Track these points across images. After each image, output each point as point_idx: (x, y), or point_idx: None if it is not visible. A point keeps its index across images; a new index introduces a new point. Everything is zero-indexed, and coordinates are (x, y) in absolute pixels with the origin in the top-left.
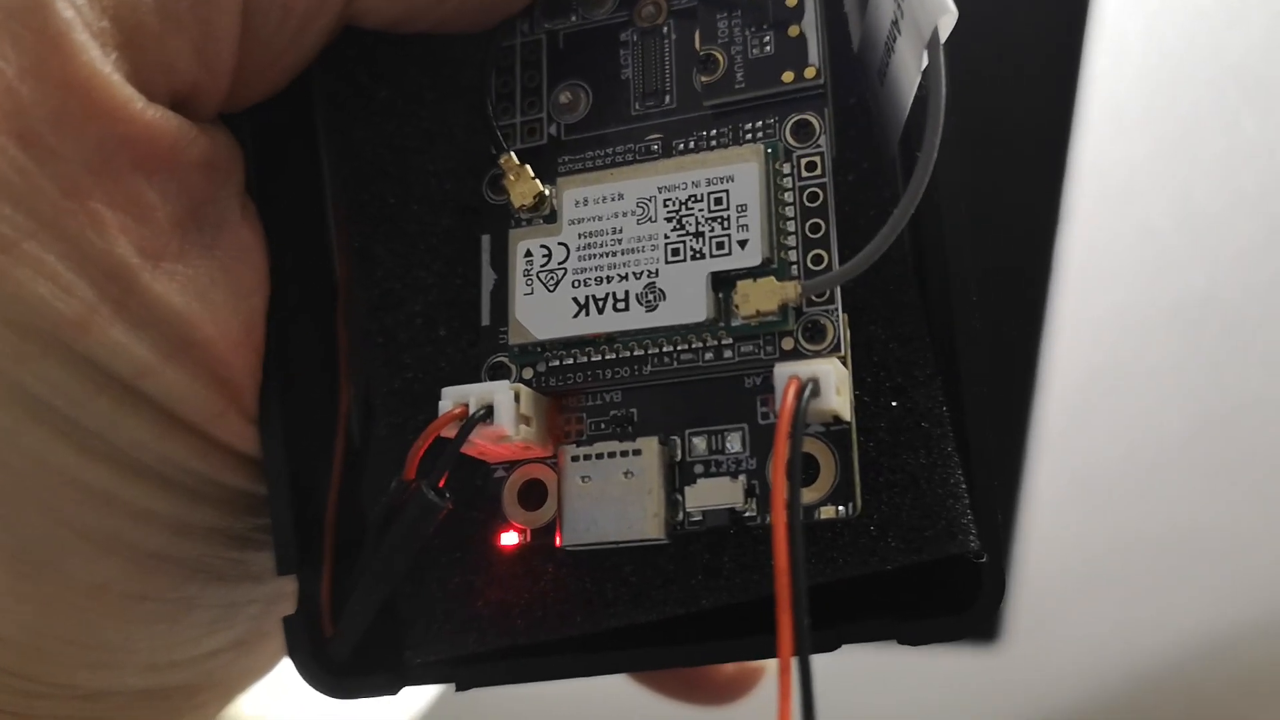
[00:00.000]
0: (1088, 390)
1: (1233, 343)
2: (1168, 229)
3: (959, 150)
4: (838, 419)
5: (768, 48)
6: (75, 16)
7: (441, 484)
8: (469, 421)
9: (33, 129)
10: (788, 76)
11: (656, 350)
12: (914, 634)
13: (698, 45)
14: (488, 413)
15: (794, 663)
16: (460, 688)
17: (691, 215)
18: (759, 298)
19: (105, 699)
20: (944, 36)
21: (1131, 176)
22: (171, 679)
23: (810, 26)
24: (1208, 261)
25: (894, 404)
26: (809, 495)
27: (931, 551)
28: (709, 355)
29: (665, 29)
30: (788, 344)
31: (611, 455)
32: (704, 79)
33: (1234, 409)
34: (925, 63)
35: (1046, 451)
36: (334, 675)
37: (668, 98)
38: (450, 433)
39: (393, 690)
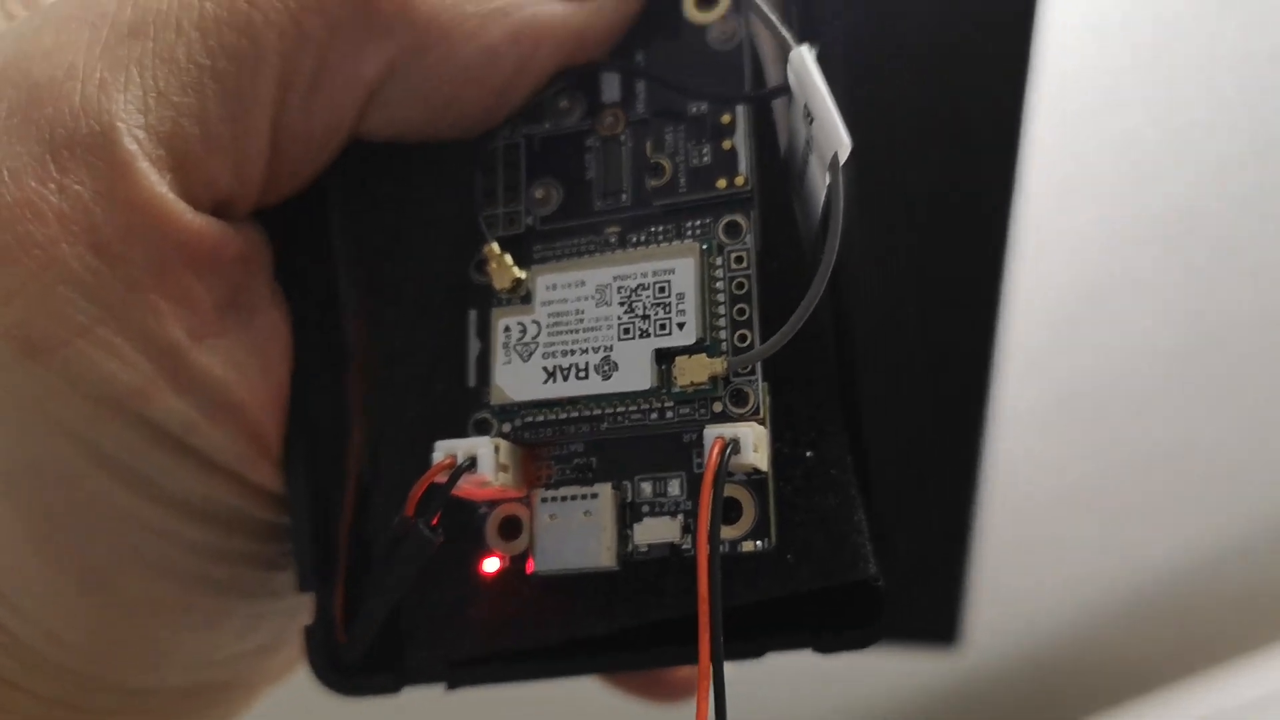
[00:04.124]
0: (1072, 306)
1: (1217, 255)
2: (1150, 139)
3: (864, 230)
4: (756, 470)
5: (706, 158)
6: (138, 149)
7: (435, 521)
8: (457, 470)
9: (104, 240)
10: (721, 183)
11: (611, 411)
12: (826, 644)
13: (649, 153)
14: (472, 463)
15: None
16: (450, 687)
17: (640, 300)
18: (693, 371)
19: (151, 695)
20: (841, 161)
21: (1114, 86)
22: (206, 678)
23: (741, 141)
24: (1190, 172)
25: (808, 454)
26: (732, 532)
27: (838, 577)
28: (654, 416)
29: (623, 138)
30: (717, 408)
31: (574, 497)
32: (653, 182)
33: (1222, 324)
34: (828, 180)
35: (1030, 370)
36: (344, 676)
37: (624, 196)
38: (442, 479)
39: (394, 689)
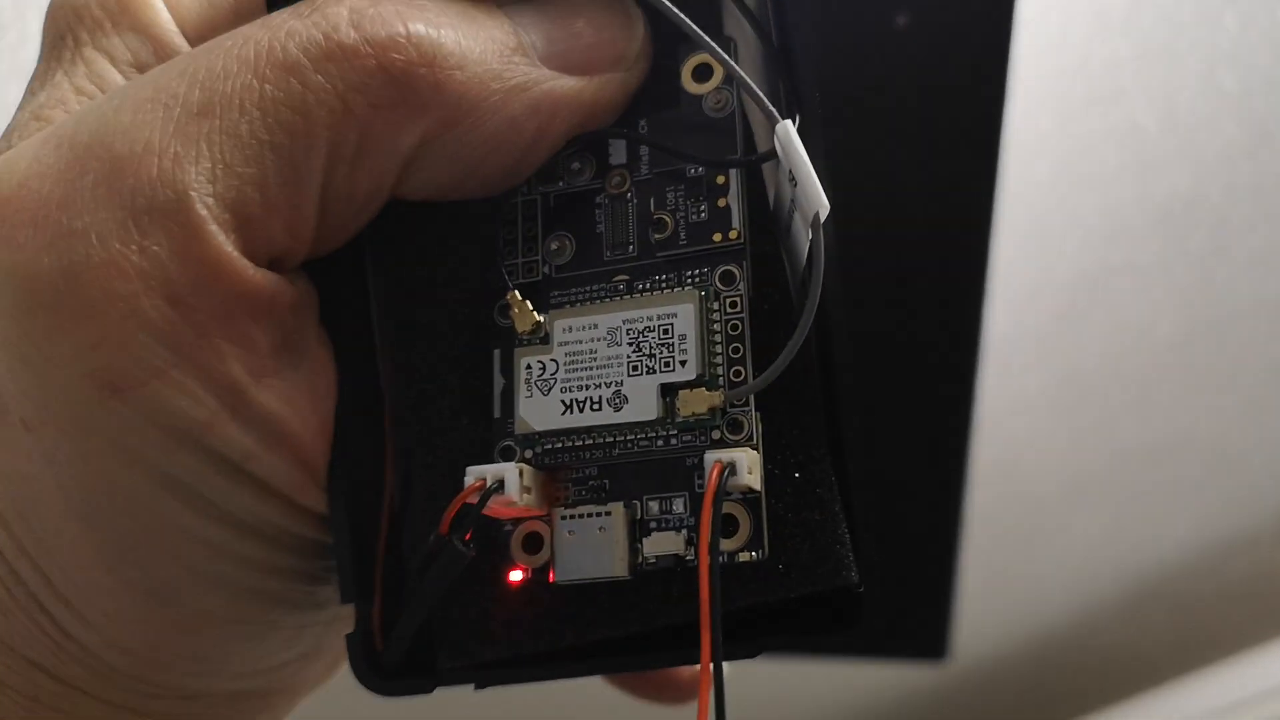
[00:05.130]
0: (1072, 296)
1: (1218, 245)
2: (1152, 129)
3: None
4: (750, 490)
5: (703, 214)
6: (207, 214)
7: (467, 538)
8: (486, 492)
9: (178, 293)
10: (717, 236)
11: (622, 439)
12: (815, 644)
13: (652, 209)
14: (500, 485)
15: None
16: (478, 687)
17: (646, 341)
18: (694, 403)
19: (202, 699)
20: (822, 221)
21: (1116, 77)
22: (253, 684)
23: (734, 199)
24: (1192, 162)
25: (797, 475)
26: (730, 544)
27: (823, 583)
28: (659, 443)
29: (629, 195)
30: (716, 435)
31: (590, 515)
32: (656, 235)
33: (1223, 314)
34: (810, 237)
35: (1030, 360)
36: (383, 678)
37: (630, 248)
38: (473, 499)
39: (428, 690)
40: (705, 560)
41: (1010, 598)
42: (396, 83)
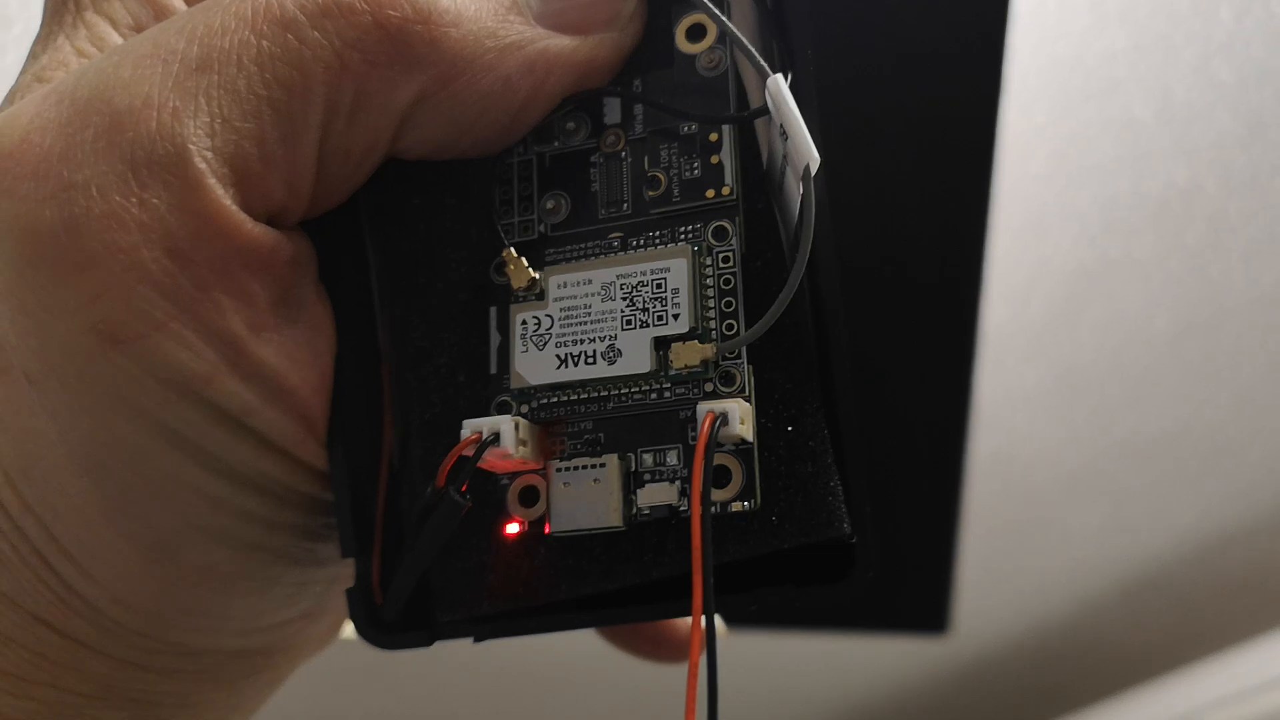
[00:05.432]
0: (1069, 288)
1: (1214, 238)
2: (1148, 122)
3: (833, 225)
4: (743, 440)
5: (696, 171)
6: (206, 167)
7: (464, 489)
8: (482, 444)
9: (177, 245)
10: (710, 193)
11: (616, 392)
12: (810, 596)
13: (646, 167)
14: (496, 437)
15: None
16: (477, 640)
17: (640, 296)
18: (687, 355)
19: (205, 656)
20: (813, 174)
21: (1112, 69)
22: (255, 642)
23: (726, 156)
24: (1188, 154)
25: (789, 429)
26: (722, 495)
27: (816, 535)
28: (653, 395)
29: (623, 154)
30: (708, 387)
31: (585, 467)
32: (650, 193)
33: (1220, 306)
34: (801, 191)
35: (1027, 353)
36: (383, 632)
37: (625, 205)
38: (469, 452)
39: (427, 643)
40: (697, 508)
41: (1007, 591)
42: (392, 39)
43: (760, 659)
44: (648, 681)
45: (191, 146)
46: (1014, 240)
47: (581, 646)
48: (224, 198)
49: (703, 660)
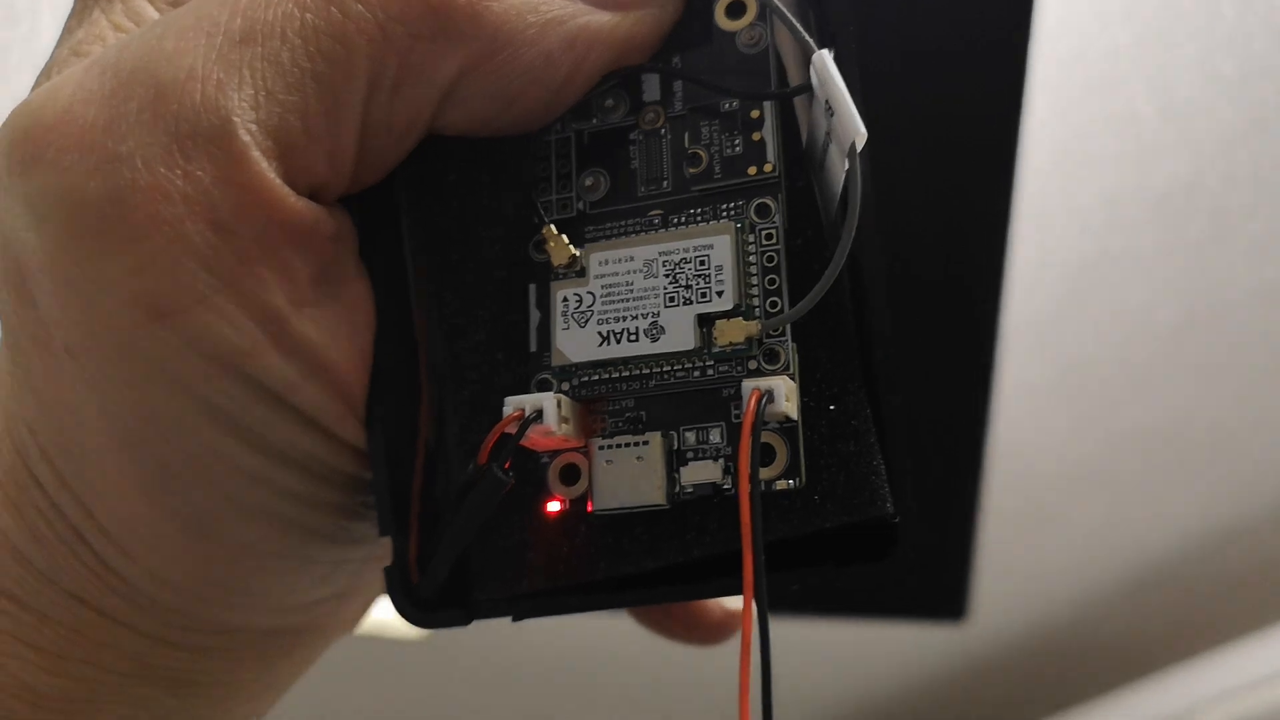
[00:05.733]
0: (1072, 282)
1: (1216, 231)
2: (1151, 116)
3: (879, 216)
4: (788, 418)
5: (738, 148)
6: (250, 140)
7: (507, 466)
8: (525, 421)
9: (221, 218)
10: (752, 170)
11: (659, 369)
12: (852, 575)
13: (686, 145)
14: (539, 415)
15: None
16: (516, 619)
17: (683, 272)
18: (731, 332)
19: (240, 634)
20: (859, 149)
21: (1115, 64)
22: (288, 621)
23: (768, 133)
24: (1191, 148)
25: (832, 407)
26: (767, 473)
27: (859, 514)
28: (696, 373)
29: (663, 131)
30: (752, 365)
31: (627, 445)
32: (691, 170)
33: (1222, 299)
34: (847, 166)
35: (1032, 347)
36: (421, 610)
37: (665, 183)
38: (511, 429)
39: (464, 622)
40: (745, 485)
41: (1012, 584)
42: (435, 12)
43: (780, 644)
44: (648, 682)
45: (236, 119)
46: (1017, 235)
47: (581, 647)
48: (268, 171)
49: (755, 637)
